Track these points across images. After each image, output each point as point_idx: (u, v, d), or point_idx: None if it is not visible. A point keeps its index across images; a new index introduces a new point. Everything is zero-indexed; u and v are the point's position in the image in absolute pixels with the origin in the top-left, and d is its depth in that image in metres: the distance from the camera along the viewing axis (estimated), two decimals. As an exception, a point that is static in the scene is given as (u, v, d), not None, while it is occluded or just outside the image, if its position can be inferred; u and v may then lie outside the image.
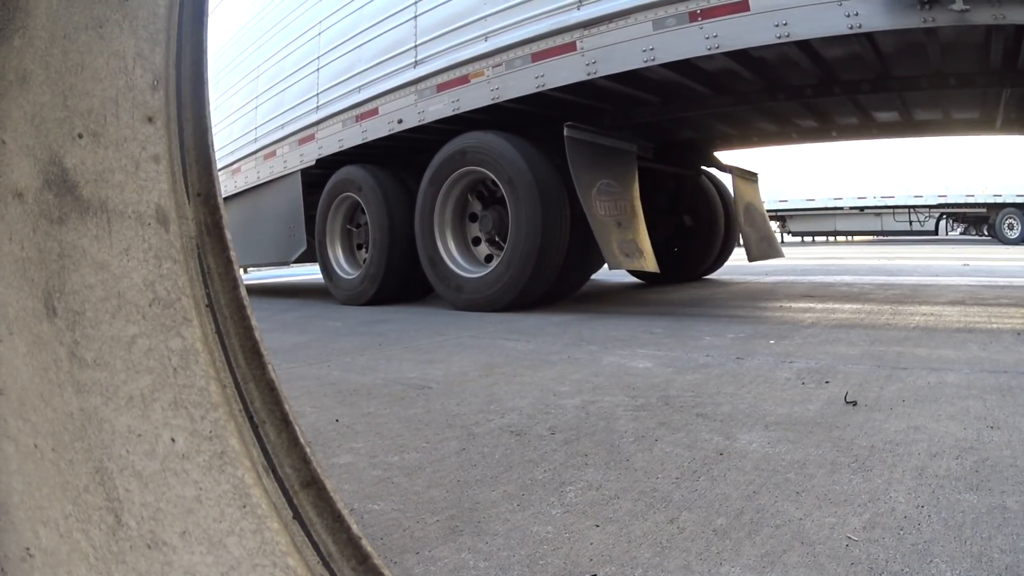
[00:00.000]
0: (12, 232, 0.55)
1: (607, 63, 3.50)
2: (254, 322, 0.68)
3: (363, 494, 1.18)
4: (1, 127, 0.55)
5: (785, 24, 3.03)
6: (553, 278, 4.20)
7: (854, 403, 1.64)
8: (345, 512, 0.64)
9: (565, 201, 4.08)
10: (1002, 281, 5.08)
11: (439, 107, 4.20)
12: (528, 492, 1.16)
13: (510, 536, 0.99)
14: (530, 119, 4.42)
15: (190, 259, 0.67)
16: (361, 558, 0.62)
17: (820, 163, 16.46)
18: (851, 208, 17.09)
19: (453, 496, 1.16)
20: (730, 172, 5.84)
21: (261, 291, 7.87)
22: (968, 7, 2.70)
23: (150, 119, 0.65)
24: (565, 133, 3.91)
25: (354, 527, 0.63)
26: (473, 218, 4.65)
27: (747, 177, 5.94)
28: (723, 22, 3.15)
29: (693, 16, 3.24)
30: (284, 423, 0.65)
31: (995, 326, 2.84)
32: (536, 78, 3.76)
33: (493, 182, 4.37)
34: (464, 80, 4.06)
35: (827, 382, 1.89)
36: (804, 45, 3.29)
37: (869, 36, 3.18)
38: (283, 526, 0.61)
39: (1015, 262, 7.66)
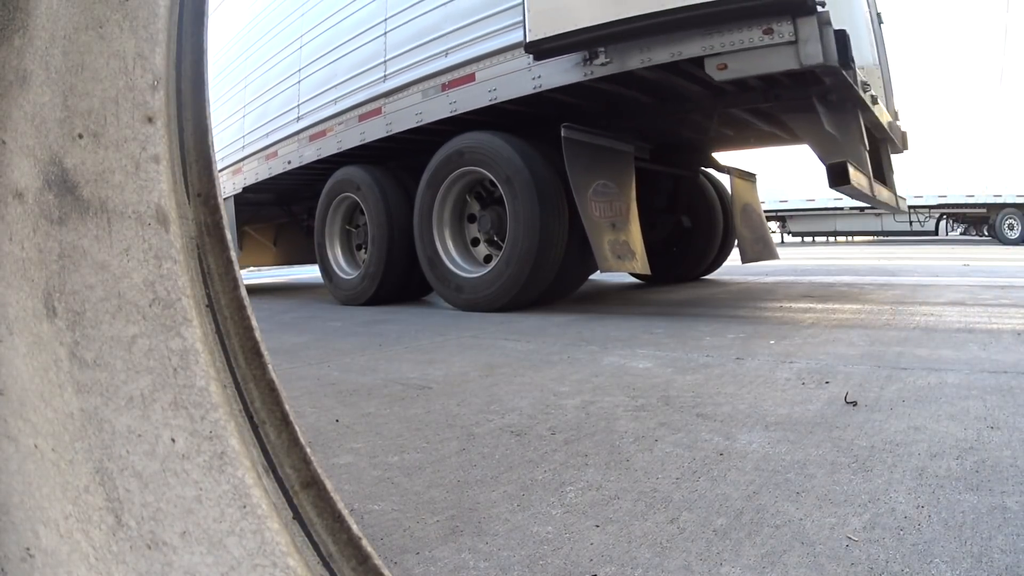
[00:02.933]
0: (12, 232, 0.55)
1: (397, 124, 4.81)
2: (254, 322, 0.68)
3: (363, 494, 1.18)
4: (1, 127, 0.55)
5: (495, 89, 4.12)
6: (553, 275, 4.21)
7: (854, 403, 1.64)
8: (345, 512, 0.64)
9: (563, 197, 4.10)
10: (1002, 281, 5.08)
11: (311, 152, 5.70)
12: (528, 492, 1.16)
13: (510, 536, 0.99)
14: (526, 119, 4.53)
15: (190, 259, 0.67)
16: (361, 558, 0.62)
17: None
18: (851, 208, 17.08)
19: (453, 496, 1.16)
20: (728, 173, 5.85)
21: (261, 291, 7.87)
22: (610, 60, 3.56)
23: (150, 119, 0.65)
24: (562, 134, 3.96)
25: (354, 527, 0.63)
26: (472, 219, 4.68)
27: (745, 178, 5.95)
28: (459, 91, 4.32)
29: (444, 87, 4.43)
30: (284, 423, 0.65)
31: (995, 326, 2.84)
32: (360, 134, 5.16)
33: (491, 183, 4.41)
34: (323, 133, 5.53)
35: (827, 382, 1.89)
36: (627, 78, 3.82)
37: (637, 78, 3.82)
38: (283, 526, 0.61)
39: (1015, 262, 7.67)
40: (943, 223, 17.58)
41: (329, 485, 0.64)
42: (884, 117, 4.90)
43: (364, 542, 0.63)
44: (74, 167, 0.59)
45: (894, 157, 5.80)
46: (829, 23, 3.08)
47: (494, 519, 1.05)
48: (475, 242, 4.68)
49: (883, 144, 5.24)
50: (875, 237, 18.67)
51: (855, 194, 3.98)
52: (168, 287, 0.63)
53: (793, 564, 0.87)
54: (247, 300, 0.68)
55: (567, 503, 1.11)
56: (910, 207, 16.42)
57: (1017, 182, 14.68)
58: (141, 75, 0.64)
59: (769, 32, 3.12)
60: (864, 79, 3.91)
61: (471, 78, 4.19)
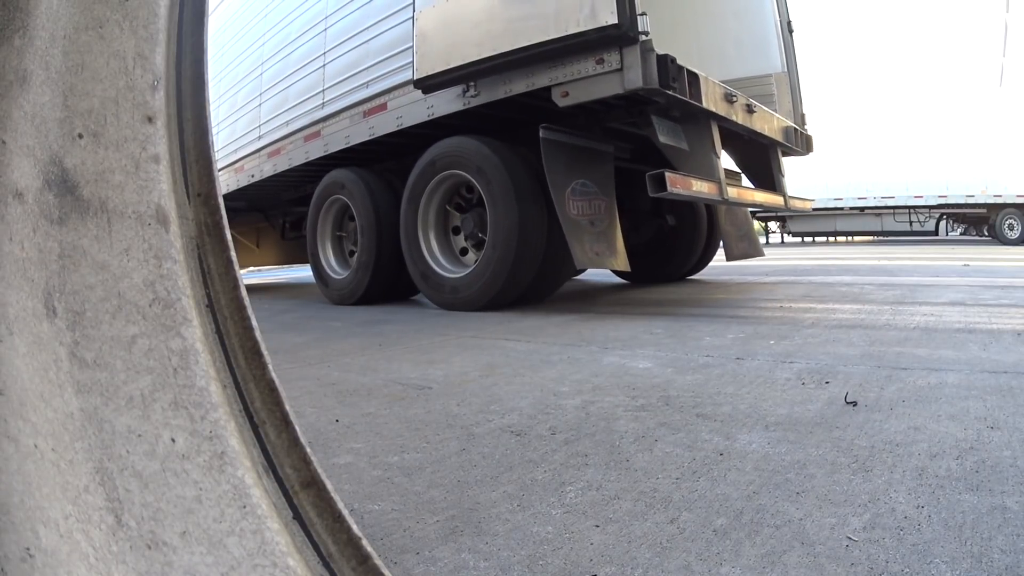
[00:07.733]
0: (12, 232, 0.55)
1: (331, 144, 5.59)
2: (254, 322, 0.68)
3: (363, 494, 1.18)
4: (1, 127, 0.55)
5: (400, 117, 4.79)
6: (543, 243, 4.24)
7: (854, 403, 1.64)
8: (345, 512, 0.64)
9: (540, 195, 4.20)
10: (1002, 281, 5.07)
11: (269, 167, 6.58)
12: (528, 492, 1.16)
13: (510, 536, 0.99)
14: (500, 124, 4.69)
15: (190, 259, 0.67)
16: (361, 558, 0.62)
17: (820, 164, 16.45)
18: (851, 209, 17.07)
19: (453, 496, 1.16)
20: None
21: (261, 291, 7.88)
22: (479, 92, 4.17)
23: (150, 119, 0.65)
24: (541, 135, 4.01)
25: (354, 527, 0.63)
26: (456, 231, 4.80)
27: (729, 177, 5.97)
28: (376, 117, 5.05)
29: (366, 114, 5.15)
30: (284, 423, 0.65)
31: (995, 326, 2.83)
32: (305, 153, 5.97)
33: (467, 187, 4.55)
34: (278, 152, 6.40)
35: (827, 382, 1.89)
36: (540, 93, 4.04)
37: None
38: (283, 526, 0.61)
39: (1015, 262, 7.66)
40: (943, 223, 17.57)
41: (329, 485, 0.64)
42: (772, 123, 5.15)
43: (364, 542, 0.63)
44: (74, 167, 0.59)
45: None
46: (651, 50, 3.44)
47: (494, 519, 1.05)
48: (464, 252, 4.78)
49: (771, 148, 5.39)
50: (875, 237, 18.66)
51: (691, 199, 4.20)
52: (168, 287, 0.63)
53: (793, 564, 0.87)
54: (247, 300, 0.68)
55: (567, 503, 1.11)
56: (910, 207, 16.43)
57: (1017, 182, 14.67)
58: (141, 75, 0.64)
59: (601, 62, 3.58)
60: (730, 90, 4.30)
61: (384, 107, 4.97)
